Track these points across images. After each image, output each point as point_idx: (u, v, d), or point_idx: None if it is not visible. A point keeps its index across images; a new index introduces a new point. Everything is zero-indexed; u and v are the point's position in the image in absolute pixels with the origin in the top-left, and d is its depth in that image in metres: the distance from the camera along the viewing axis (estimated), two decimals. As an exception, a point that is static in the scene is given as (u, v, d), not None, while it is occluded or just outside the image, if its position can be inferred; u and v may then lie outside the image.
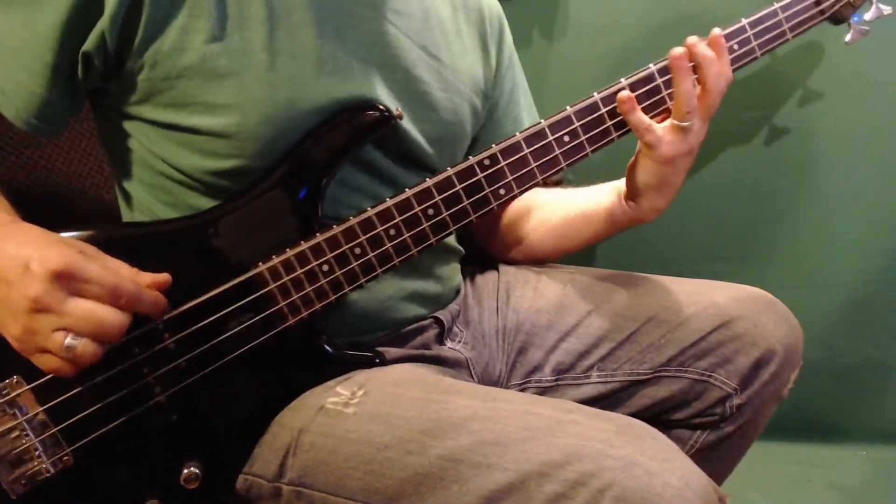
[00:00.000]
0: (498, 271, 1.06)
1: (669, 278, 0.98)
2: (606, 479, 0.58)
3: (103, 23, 0.71)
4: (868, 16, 1.01)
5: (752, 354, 0.87)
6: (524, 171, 0.83)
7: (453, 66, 0.92)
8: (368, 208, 0.78)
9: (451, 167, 0.80)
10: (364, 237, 0.78)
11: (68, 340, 0.62)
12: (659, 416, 0.93)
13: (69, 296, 0.62)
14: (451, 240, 0.97)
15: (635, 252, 1.38)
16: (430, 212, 0.80)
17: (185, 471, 0.75)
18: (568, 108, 0.83)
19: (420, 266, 0.89)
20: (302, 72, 0.77)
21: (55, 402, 0.71)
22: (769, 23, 0.89)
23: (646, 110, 0.84)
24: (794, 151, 1.31)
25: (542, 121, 0.83)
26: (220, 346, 0.75)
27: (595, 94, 0.84)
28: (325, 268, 0.77)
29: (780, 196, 1.35)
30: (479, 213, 0.82)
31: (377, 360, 0.83)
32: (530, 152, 0.83)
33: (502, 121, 1.04)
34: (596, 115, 0.84)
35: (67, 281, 0.62)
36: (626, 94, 0.82)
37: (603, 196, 0.96)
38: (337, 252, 0.77)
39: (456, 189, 0.80)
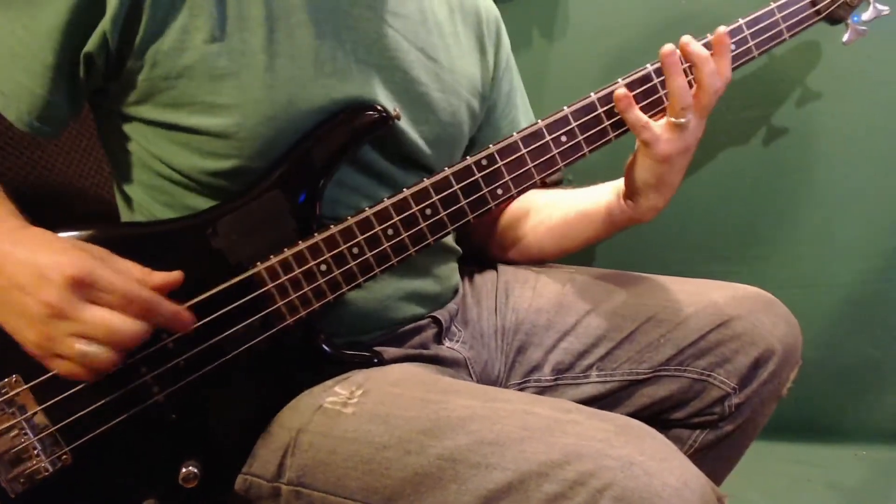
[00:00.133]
0: (497, 271, 1.06)
1: (669, 278, 0.98)
2: (605, 479, 0.58)
3: (104, 24, 0.71)
4: (865, 16, 1.01)
5: (750, 354, 0.87)
6: (521, 171, 0.83)
7: (451, 67, 0.92)
8: (366, 208, 0.79)
9: (449, 167, 0.81)
10: (362, 237, 0.78)
11: (83, 347, 0.63)
12: (658, 416, 0.93)
13: (85, 302, 0.63)
14: (449, 239, 0.97)
15: (635, 252, 1.38)
16: (428, 212, 0.80)
17: (184, 470, 0.75)
18: (565, 108, 0.84)
19: (418, 266, 0.89)
20: (301, 73, 0.77)
21: (54, 401, 0.71)
22: (766, 23, 0.90)
23: (643, 110, 0.84)
24: (793, 151, 1.31)
25: (539, 121, 0.83)
26: (219, 346, 0.75)
27: (592, 94, 0.84)
28: (323, 268, 0.77)
29: (779, 196, 1.35)
30: (477, 212, 0.82)
31: (375, 360, 0.83)
32: (528, 152, 0.83)
33: (500, 122, 1.05)
34: (593, 115, 0.84)
35: (82, 288, 0.63)
36: (622, 91, 0.82)
37: (602, 196, 0.96)
38: (335, 252, 0.78)
39: (453, 189, 0.80)
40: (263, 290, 0.76)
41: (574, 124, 0.84)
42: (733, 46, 0.87)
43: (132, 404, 0.73)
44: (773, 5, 0.91)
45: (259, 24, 0.76)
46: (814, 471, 1.41)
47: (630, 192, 0.90)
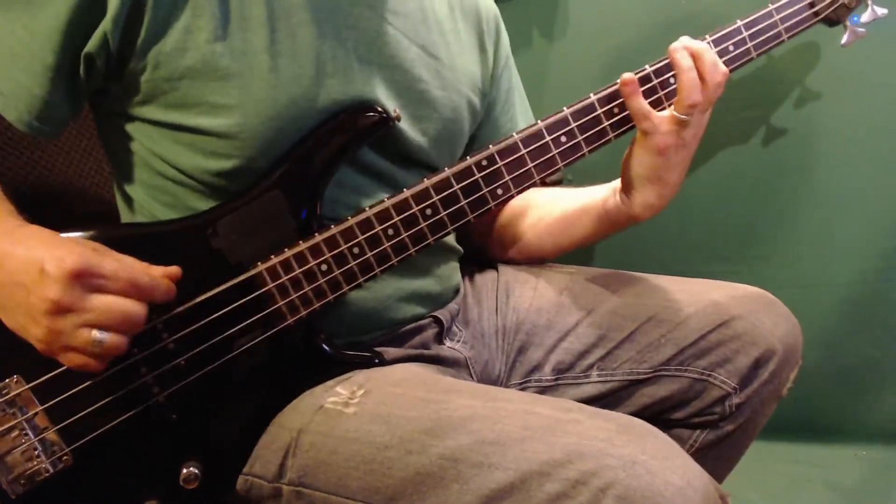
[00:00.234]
0: (497, 271, 1.06)
1: (669, 278, 0.98)
2: (608, 478, 0.58)
3: (105, 24, 0.71)
4: (864, 17, 1.01)
5: (751, 354, 0.87)
6: (521, 171, 0.83)
7: (452, 64, 0.92)
8: (367, 208, 0.79)
9: (449, 167, 0.81)
10: (362, 237, 0.78)
11: (96, 335, 0.64)
12: (659, 416, 0.93)
13: (88, 293, 0.64)
14: (450, 239, 0.97)
15: (635, 252, 1.38)
16: (428, 212, 0.80)
17: (185, 471, 0.75)
18: (565, 108, 0.84)
19: (419, 265, 0.89)
20: (303, 73, 0.78)
21: (54, 401, 0.71)
22: (764, 24, 0.90)
23: None
24: (793, 151, 1.31)
25: (539, 121, 0.83)
26: (219, 346, 0.75)
27: (591, 95, 0.84)
28: (324, 268, 0.77)
29: (779, 196, 1.35)
30: (477, 212, 0.82)
31: (376, 360, 0.83)
32: (527, 153, 0.83)
33: (499, 120, 1.05)
34: (592, 115, 0.84)
35: (84, 278, 0.63)
36: (629, 76, 0.82)
37: (600, 192, 0.96)
38: (335, 252, 0.78)
39: (454, 189, 0.81)
40: (264, 290, 0.76)
41: (573, 125, 0.84)
42: (731, 47, 0.88)
43: (133, 405, 0.73)
44: (771, 7, 0.91)
45: (261, 24, 0.76)
46: (814, 471, 1.41)
47: (625, 186, 0.90)
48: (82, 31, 0.72)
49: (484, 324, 0.99)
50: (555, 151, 0.84)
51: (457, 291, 0.99)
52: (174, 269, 0.72)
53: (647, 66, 0.85)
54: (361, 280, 0.79)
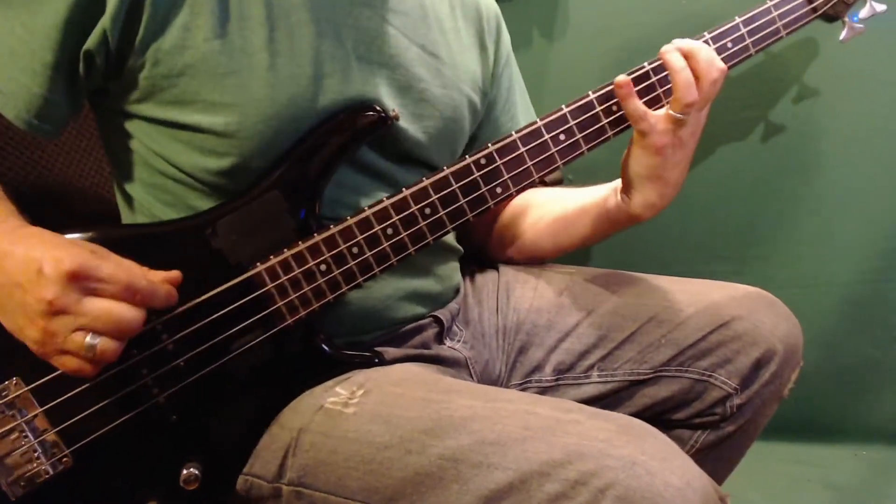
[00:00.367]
0: (498, 271, 1.06)
1: (669, 278, 0.98)
2: (607, 479, 0.58)
3: (104, 21, 0.72)
4: (862, 14, 1.01)
5: (752, 354, 0.87)
6: (520, 169, 0.83)
7: (452, 63, 0.92)
8: (366, 208, 0.79)
9: (448, 166, 0.81)
10: (361, 237, 0.78)
11: (88, 339, 0.63)
12: (659, 416, 0.93)
13: (84, 295, 0.63)
14: (450, 238, 0.97)
15: (635, 252, 1.38)
16: (427, 211, 0.80)
17: (185, 472, 0.75)
18: (563, 107, 0.84)
19: (419, 265, 0.89)
20: (301, 72, 0.78)
21: (54, 403, 0.71)
22: (763, 20, 0.91)
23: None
24: (793, 151, 1.31)
25: (537, 120, 0.83)
26: (219, 347, 0.75)
27: (590, 93, 0.84)
28: (323, 267, 0.77)
29: (779, 196, 1.35)
30: (476, 211, 0.82)
31: (376, 360, 0.83)
32: (526, 151, 0.83)
33: (500, 119, 1.05)
34: (591, 113, 0.84)
35: (81, 281, 0.63)
36: (623, 78, 0.82)
37: (600, 192, 0.96)
38: (334, 252, 0.78)
39: (453, 188, 0.81)
40: (263, 290, 0.76)
41: (572, 123, 0.84)
42: (730, 44, 0.88)
43: (133, 406, 0.73)
44: (769, 3, 0.91)
45: (260, 22, 0.76)
46: (814, 471, 1.41)
47: (625, 186, 0.89)
48: (81, 29, 0.72)
49: (484, 324, 0.99)
50: (553, 150, 0.84)
51: (457, 291, 0.99)
52: (174, 274, 0.71)
53: (645, 64, 0.85)
54: (361, 280, 0.79)
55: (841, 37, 1.02)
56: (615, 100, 0.84)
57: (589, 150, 0.85)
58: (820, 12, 0.95)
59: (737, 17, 0.89)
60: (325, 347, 0.81)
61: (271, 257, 0.76)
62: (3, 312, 0.66)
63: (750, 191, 1.36)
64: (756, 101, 1.31)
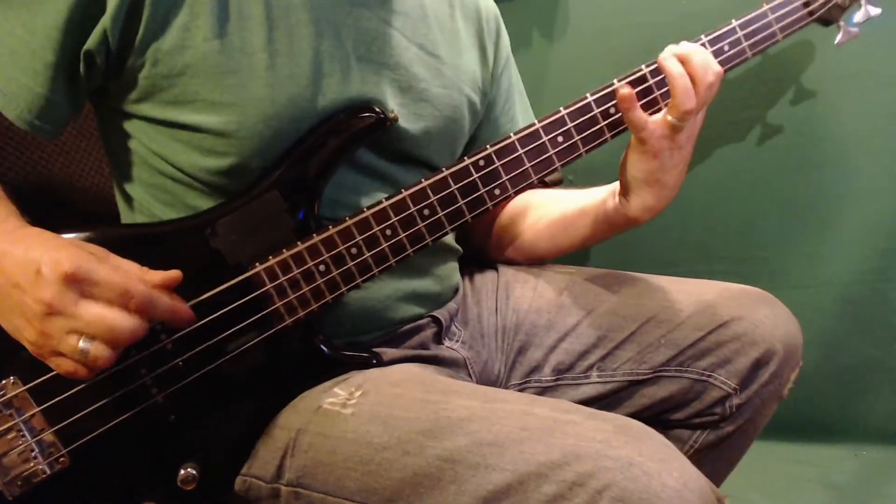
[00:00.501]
0: (497, 271, 1.06)
1: (669, 278, 0.98)
2: (605, 480, 0.58)
3: (105, 21, 0.72)
4: (857, 17, 1.01)
5: (751, 354, 0.87)
6: (519, 171, 0.83)
7: (452, 63, 0.92)
8: (365, 209, 0.79)
9: (447, 168, 0.81)
10: (360, 237, 0.78)
11: (81, 344, 0.62)
12: (659, 416, 0.93)
13: (81, 298, 0.63)
14: (449, 239, 0.97)
15: (635, 252, 1.38)
16: (426, 212, 0.80)
17: (183, 472, 0.75)
18: (562, 109, 0.84)
19: (418, 265, 0.89)
20: (300, 72, 0.78)
21: (51, 402, 0.71)
22: (759, 23, 0.91)
23: (641, 110, 0.84)
24: (793, 151, 1.31)
25: (536, 122, 0.83)
26: (217, 347, 0.75)
27: (588, 95, 0.84)
28: (322, 268, 0.77)
29: (779, 196, 1.35)
30: (475, 213, 0.82)
31: (374, 361, 0.83)
32: (525, 153, 0.83)
33: (500, 120, 1.05)
34: (589, 115, 0.84)
35: (78, 283, 0.62)
36: (626, 91, 0.82)
37: (599, 194, 0.96)
38: (333, 252, 0.78)
39: (451, 189, 0.81)
40: (262, 290, 0.76)
41: (570, 125, 0.84)
42: (727, 47, 0.89)
43: (131, 406, 0.73)
44: (766, 7, 0.92)
45: (259, 22, 0.76)
46: (814, 471, 1.41)
47: (623, 189, 0.89)
48: (82, 29, 0.72)
49: (483, 324, 0.99)
50: (552, 152, 0.84)
51: (456, 291, 0.99)
52: (173, 274, 0.70)
53: (642, 67, 0.85)
54: (360, 280, 0.79)
55: (836, 40, 1.02)
56: (613, 102, 0.84)
57: (587, 152, 0.85)
58: (816, 15, 0.96)
59: (734, 21, 0.89)
60: (324, 348, 0.81)
61: (270, 258, 0.76)
62: (2, 313, 0.66)
63: (749, 191, 1.36)
64: (755, 101, 1.30)
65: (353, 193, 0.84)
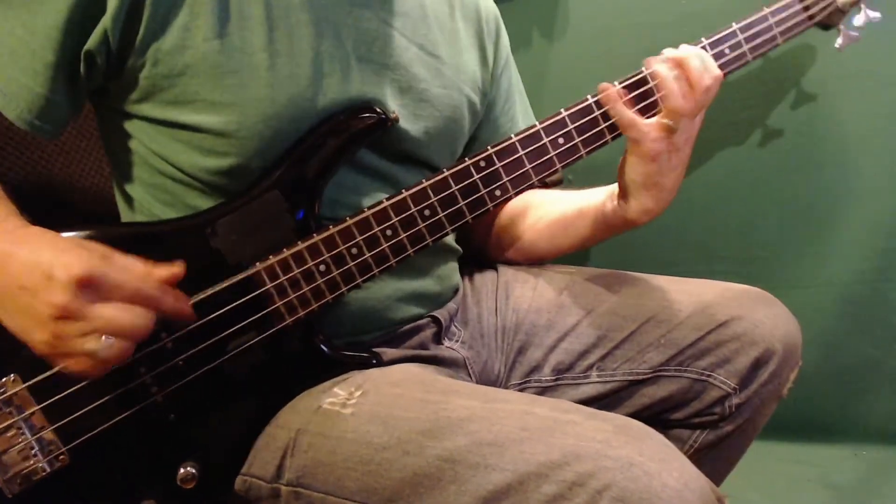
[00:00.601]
0: (497, 271, 1.06)
1: (668, 278, 0.98)
2: (605, 480, 0.58)
3: (105, 21, 0.72)
4: (857, 21, 1.01)
5: (751, 354, 0.87)
6: (519, 172, 0.83)
7: (452, 63, 0.92)
8: (365, 209, 0.79)
9: (448, 169, 0.81)
10: (361, 237, 0.78)
11: (97, 344, 0.63)
12: (658, 416, 0.93)
13: (94, 300, 0.63)
14: (450, 239, 0.97)
15: (634, 252, 1.38)
16: (427, 212, 0.80)
17: (182, 471, 0.75)
18: (562, 111, 0.84)
19: (418, 265, 0.89)
20: (300, 72, 0.78)
21: (52, 400, 0.71)
22: (760, 27, 0.91)
23: (640, 112, 0.84)
24: (793, 151, 1.31)
25: (536, 123, 0.83)
26: (218, 346, 0.75)
27: (589, 97, 0.85)
28: (322, 268, 0.77)
29: (779, 196, 1.35)
30: (475, 213, 0.82)
31: (374, 361, 0.83)
32: (525, 154, 0.83)
33: (500, 120, 1.05)
34: (590, 117, 0.84)
35: (90, 286, 0.62)
36: (605, 86, 0.83)
37: (598, 196, 0.96)
38: (334, 252, 0.78)
39: (452, 190, 0.81)
40: (262, 290, 0.76)
41: (571, 126, 0.84)
42: (727, 51, 0.89)
43: (131, 404, 0.73)
44: (766, 10, 0.92)
45: (260, 23, 0.76)
46: (814, 471, 1.41)
47: (622, 192, 0.90)
48: (82, 29, 0.72)
49: (483, 324, 0.99)
50: (553, 153, 0.84)
51: (456, 291, 0.99)
52: (178, 269, 0.70)
53: (643, 69, 0.85)
54: (360, 280, 0.79)
55: (837, 44, 1.02)
56: None
57: (588, 153, 0.85)
58: (816, 19, 0.96)
59: (734, 24, 0.89)
60: (324, 348, 0.81)
61: (270, 257, 0.76)
62: (6, 313, 0.66)
63: (749, 191, 1.36)
64: (755, 101, 1.31)
65: (354, 193, 0.84)
